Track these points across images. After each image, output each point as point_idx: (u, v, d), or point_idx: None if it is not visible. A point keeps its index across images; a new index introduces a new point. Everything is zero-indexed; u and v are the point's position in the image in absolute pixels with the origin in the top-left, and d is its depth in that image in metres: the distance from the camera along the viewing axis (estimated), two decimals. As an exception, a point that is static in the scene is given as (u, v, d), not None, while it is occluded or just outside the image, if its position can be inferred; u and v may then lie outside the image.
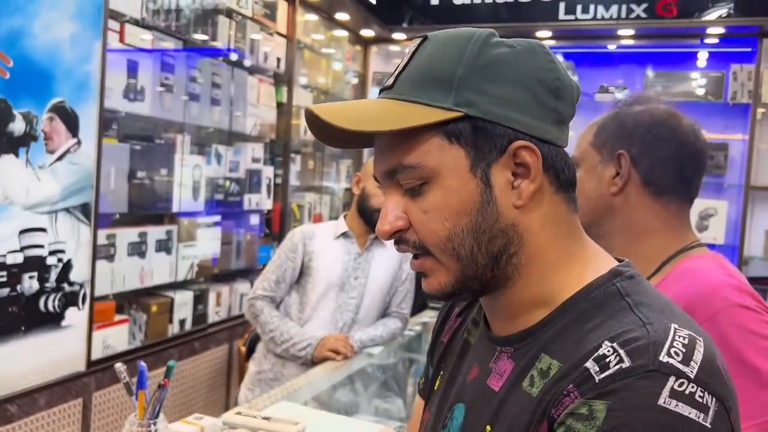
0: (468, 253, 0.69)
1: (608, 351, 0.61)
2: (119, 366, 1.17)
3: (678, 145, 1.12)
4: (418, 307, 3.04)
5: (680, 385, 0.58)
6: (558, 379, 0.64)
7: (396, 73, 0.72)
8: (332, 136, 0.72)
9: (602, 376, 0.60)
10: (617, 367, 0.60)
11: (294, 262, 2.36)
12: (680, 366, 0.59)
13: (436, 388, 0.86)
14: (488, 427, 0.70)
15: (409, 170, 0.69)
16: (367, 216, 2.33)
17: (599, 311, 0.67)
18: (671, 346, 0.60)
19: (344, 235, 2.39)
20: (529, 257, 0.70)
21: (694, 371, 0.59)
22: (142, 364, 1.19)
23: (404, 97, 0.69)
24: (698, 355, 0.61)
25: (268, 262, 2.43)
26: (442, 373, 0.86)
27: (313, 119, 0.69)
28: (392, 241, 0.74)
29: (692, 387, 0.58)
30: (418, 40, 0.72)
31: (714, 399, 0.59)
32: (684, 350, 0.60)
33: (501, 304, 0.74)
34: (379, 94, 0.74)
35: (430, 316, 3.00)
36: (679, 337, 0.62)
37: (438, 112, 0.67)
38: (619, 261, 0.74)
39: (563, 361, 0.65)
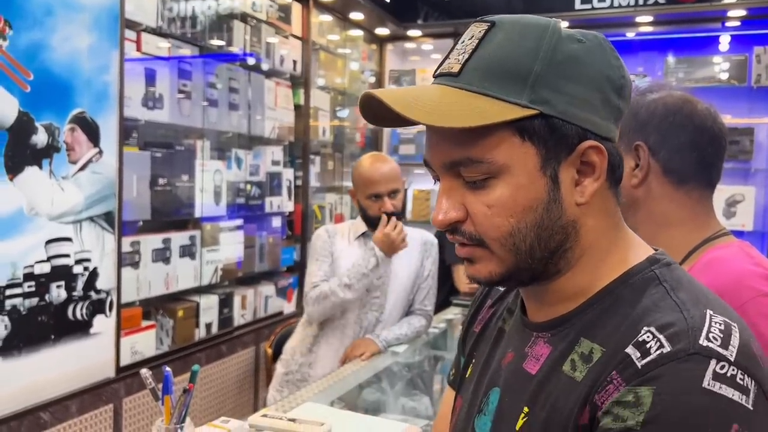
0: (527, 248, 0.69)
1: (648, 336, 0.63)
2: (145, 372, 1.18)
3: (695, 131, 1.10)
4: (441, 303, 3.03)
5: (722, 367, 0.60)
6: (601, 365, 0.65)
7: (462, 60, 0.69)
8: (378, 116, 0.70)
9: (644, 361, 0.61)
10: (658, 352, 0.61)
11: (330, 257, 2.35)
12: (720, 349, 0.61)
13: (468, 374, 0.87)
14: (526, 408, 0.71)
15: (477, 164, 0.68)
16: (373, 225, 2.33)
17: (637, 296, 0.68)
18: (709, 331, 0.62)
19: (364, 235, 2.39)
20: (581, 251, 0.71)
21: (734, 355, 0.61)
22: (167, 369, 1.20)
23: (473, 88, 0.67)
24: (735, 340, 0.62)
25: (307, 268, 2.39)
26: (474, 361, 0.87)
27: (372, 104, 0.67)
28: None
29: (733, 370, 0.60)
30: (484, 26, 0.70)
31: (753, 382, 0.60)
32: (721, 335, 0.62)
33: (544, 293, 0.74)
34: (438, 78, 0.71)
35: (454, 313, 2.99)
36: (716, 323, 0.63)
37: (514, 109, 0.66)
38: (655, 250, 0.75)
39: (604, 345, 0.66)
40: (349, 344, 2.31)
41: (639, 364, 0.61)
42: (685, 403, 0.58)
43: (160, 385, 1.19)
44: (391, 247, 2.26)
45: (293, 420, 1.39)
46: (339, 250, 2.36)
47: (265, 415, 1.43)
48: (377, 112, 0.69)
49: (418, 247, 2.46)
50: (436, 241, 2.54)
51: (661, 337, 0.62)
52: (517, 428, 0.71)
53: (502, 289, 0.90)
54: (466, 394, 0.85)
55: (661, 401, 0.59)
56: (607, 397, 0.62)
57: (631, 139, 1.12)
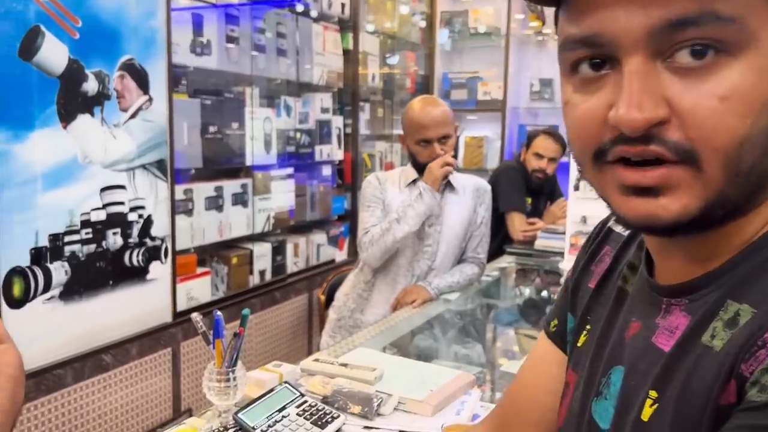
0: (749, 165, 0.49)
1: None
2: (195, 315, 1.18)
3: None
4: (495, 251, 2.97)
5: None
6: (749, 328, 0.49)
7: None
8: None
9: None
10: None
11: (381, 204, 2.31)
12: None
13: (581, 344, 0.72)
14: (653, 393, 0.56)
15: (722, 25, 0.46)
16: (423, 172, 2.27)
17: None
18: None
19: (415, 182, 2.34)
20: None
21: None
22: (218, 313, 1.20)
23: None
24: None
25: (359, 216, 2.35)
26: (589, 327, 0.71)
27: None
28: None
29: None
30: None
31: None
32: None
33: (698, 243, 0.55)
34: None
35: (507, 262, 2.94)
36: None
37: None
38: None
39: (756, 305, 0.50)
40: (400, 292, 2.30)
41: None
42: None
43: (212, 331, 1.20)
44: (430, 176, 2.20)
45: (345, 365, 1.38)
46: (390, 197, 2.32)
47: (317, 360, 1.43)
48: None
49: (471, 194, 2.39)
50: (489, 187, 2.47)
51: None
52: (645, 419, 0.55)
53: (625, 233, 0.71)
54: (581, 370, 0.69)
55: None
56: (758, 365, 0.46)
57: None
